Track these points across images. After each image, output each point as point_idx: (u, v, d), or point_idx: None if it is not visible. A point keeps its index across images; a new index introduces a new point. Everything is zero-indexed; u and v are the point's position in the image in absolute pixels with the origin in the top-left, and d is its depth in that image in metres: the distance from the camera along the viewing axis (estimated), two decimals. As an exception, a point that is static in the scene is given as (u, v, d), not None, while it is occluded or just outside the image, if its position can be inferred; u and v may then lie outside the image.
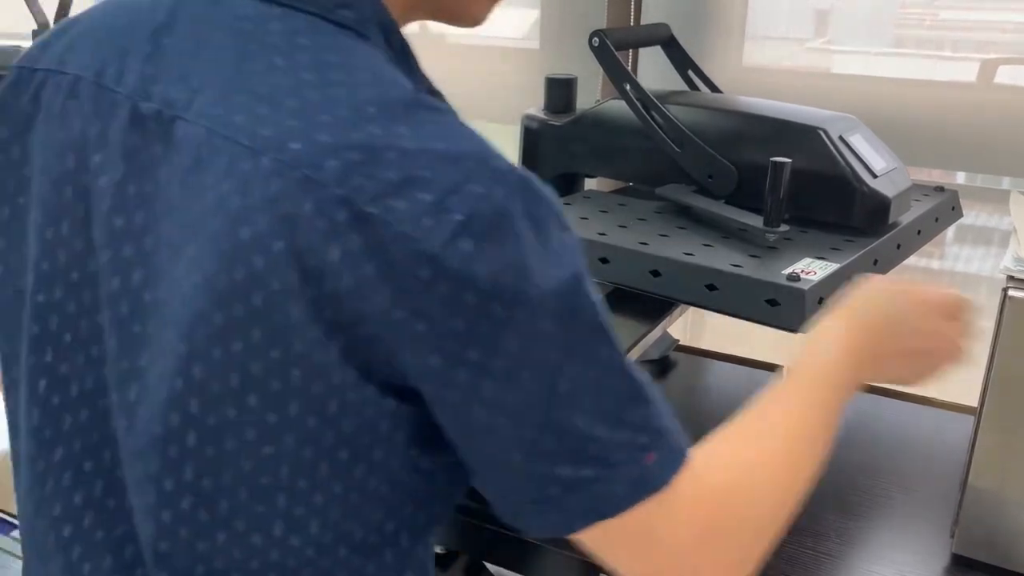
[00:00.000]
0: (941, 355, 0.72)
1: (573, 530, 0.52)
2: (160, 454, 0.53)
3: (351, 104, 0.48)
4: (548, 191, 0.50)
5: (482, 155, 0.48)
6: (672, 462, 0.52)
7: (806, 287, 0.82)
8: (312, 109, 0.48)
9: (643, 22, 1.45)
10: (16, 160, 0.61)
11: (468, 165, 0.47)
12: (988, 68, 1.32)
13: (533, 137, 1.17)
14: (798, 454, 0.61)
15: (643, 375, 0.52)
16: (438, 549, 1.17)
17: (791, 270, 0.86)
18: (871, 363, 0.68)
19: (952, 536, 0.86)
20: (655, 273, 0.91)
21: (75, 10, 1.40)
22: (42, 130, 0.59)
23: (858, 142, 0.99)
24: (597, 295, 0.50)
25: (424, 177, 0.46)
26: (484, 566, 1.11)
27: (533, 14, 1.63)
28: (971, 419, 0.85)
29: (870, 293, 0.71)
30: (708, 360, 1.29)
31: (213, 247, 0.48)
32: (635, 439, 0.50)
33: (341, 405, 0.50)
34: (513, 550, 0.90)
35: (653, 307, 0.95)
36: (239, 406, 0.50)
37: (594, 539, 0.52)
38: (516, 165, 0.49)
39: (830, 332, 0.67)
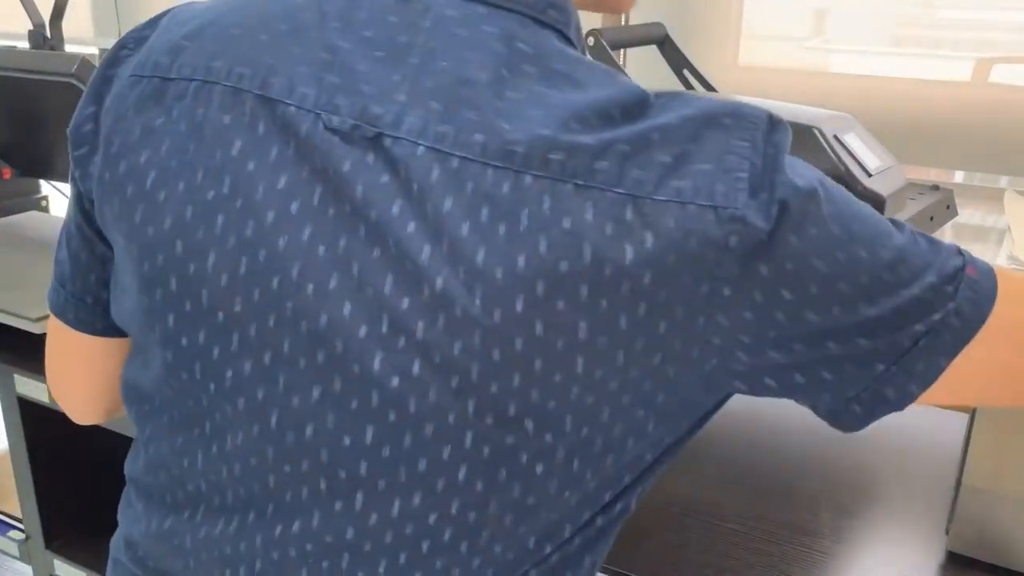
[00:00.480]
0: None
1: (941, 368, 0.50)
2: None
3: (596, 109, 0.46)
4: (781, 123, 0.50)
5: (733, 108, 0.47)
6: (985, 265, 0.52)
7: None
8: (561, 116, 0.46)
9: (637, 21, 1.45)
10: (120, 176, 0.54)
11: (725, 123, 0.46)
12: (982, 67, 1.33)
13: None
14: None
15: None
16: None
17: None
18: None
19: (947, 534, 0.86)
20: None
21: (70, 10, 1.40)
22: (179, 147, 0.52)
23: (853, 141, 0.99)
24: None
25: (692, 149, 0.45)
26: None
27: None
28: (965, 417, 0.85)
29: None
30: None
31: (477, 281, 0.45)
32: (950, 263, 0.50)
33: (614, 412, 0.48)
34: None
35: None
36: (519, 434, 0.48)
37: (955, 376, 0.50)
38: (755, 106, 0.49)
39: None
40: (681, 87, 1.19)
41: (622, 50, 1.36)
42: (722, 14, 1.44)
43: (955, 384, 0.51)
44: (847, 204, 0.48)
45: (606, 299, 0.45)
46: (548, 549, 0.53)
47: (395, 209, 0.46)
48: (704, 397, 0.52)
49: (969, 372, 0.51)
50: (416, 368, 0.47)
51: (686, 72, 1.18)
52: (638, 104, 0.47)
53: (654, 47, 1.19)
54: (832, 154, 0.96)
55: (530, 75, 0.47)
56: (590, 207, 0.44)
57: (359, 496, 0.50)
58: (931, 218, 1.09)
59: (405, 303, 0.46)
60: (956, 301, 0.49)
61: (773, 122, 0.48)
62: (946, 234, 1.58)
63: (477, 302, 0.45)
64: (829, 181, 0.49)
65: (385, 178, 0.47)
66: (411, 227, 0.46)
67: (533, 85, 0.47)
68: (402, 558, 0.52)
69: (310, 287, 0.48)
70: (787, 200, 0.45)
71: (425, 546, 0.51)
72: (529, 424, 0.47)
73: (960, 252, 0.51)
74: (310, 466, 0.51)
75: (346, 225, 0.48)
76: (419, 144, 0.46)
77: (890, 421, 1.10)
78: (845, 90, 1.40)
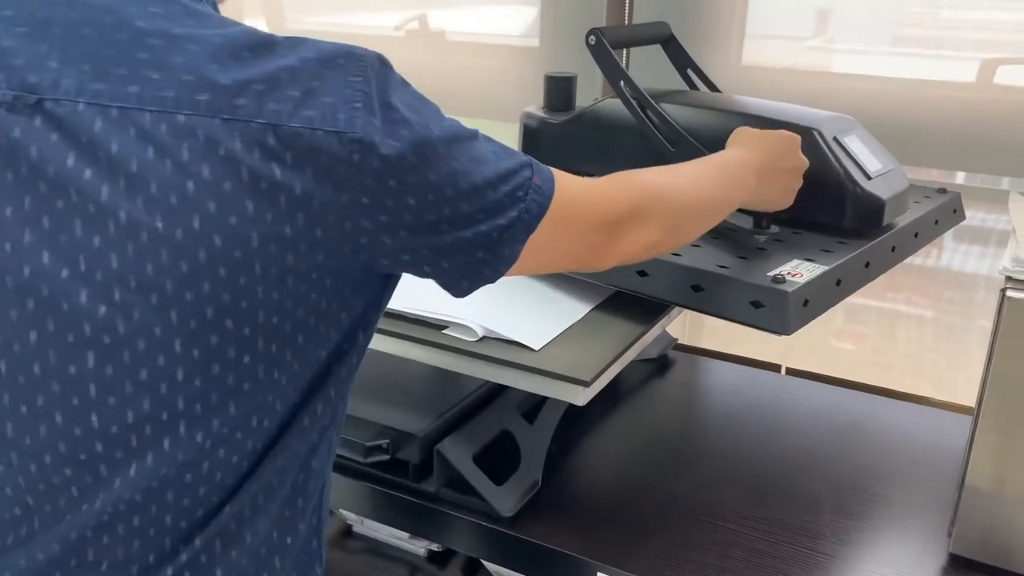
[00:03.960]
0: (797, 182, 0.92)
1: (519, 251, 0.65)
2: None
3: (229, 50, 0.55)
4: (388, 62, 0.60)
5: (346, 50, 0.57)
6: (547, 174, 0.67)
7: (790, 289, 0.82)
8: (200, 61, 0.54)
9: (641, 20, 1.45)
10: None
11: (340, 63, 0.57)
12: (987, 68, 1.32)
13: (532, 135, 1.16)
14: (714, 181, 0.82)
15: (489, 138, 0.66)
16: (435, 547, 1.17)
17: (777, 272, 0.85)
18: (765, 172, 0.87)
19: (949, 536, 0.86)
20: (642, 273, 0.91)
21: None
22: None
23: (853, 143, 0.99)
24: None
25: (317, 85, 0.55)
26: (481, 564, 1.11)
27: (532, 12, 1.63)
28: (968, 419, 0.85)
29: (765, 133, 0.91)
30: (707, 359, 1.30)
31: (156, 208, 0.53)
32: (521, 174, 0.65)
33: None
34: (510, 548, 0.90)
35: (651, 306, 0.95)
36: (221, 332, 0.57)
37: (529, 254, 0.66)
38: (365, 48, 0.58)
39: (742, 146, 0.89)
40: (686, 87, 1.19)
41: (624, 49, 1.36)
42: (726, 14, 1.44)
43: (529, 260, 0.67)
44: (452, 144, 0.60)
45: (270, 213, 0.55)
46: (266, 423, 0.63)
47: (70, 161, 0.54)
48: (365, 278, 0.63)
49: (536, 250, 0.66)
50: (117, 295, 0.55)
51: (690, 71, 1.18)
52: (264, 45, 0.56)
53: (658, 46, 1.19)
54: (831, 156, 0.95)
55: (160, 28, 0.56)
56: (238, 137, 0.53)
57: (93, 416, 0.58)
58: (936, 222, 1.08)
59: (96, 241, 0.54)
60: (525, 203, 0.64)
61: (382, 61, 0.59)
62: (947, 235, 1.57)
63: (159, 224, 0.53)
64: (444, 117, 0.62)
65: (54, 136, 0.54)
66: (87, 174, 0.54)
67: (174, 29, 0.56)
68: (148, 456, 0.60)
69: (7, 246, 0.55)
70: (402, 135, 0.57)
71: (166, 443, 0.59)
72: (228, 322, 0.56)
73: (530, 165, 0.66)
74: (45, 400, 0.58)
75: (27, 186, 0.54)
76: (78, 102, 0.54)
77: (892, 421, 1.11)
78: (848, 90, 1.40)
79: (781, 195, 0.90)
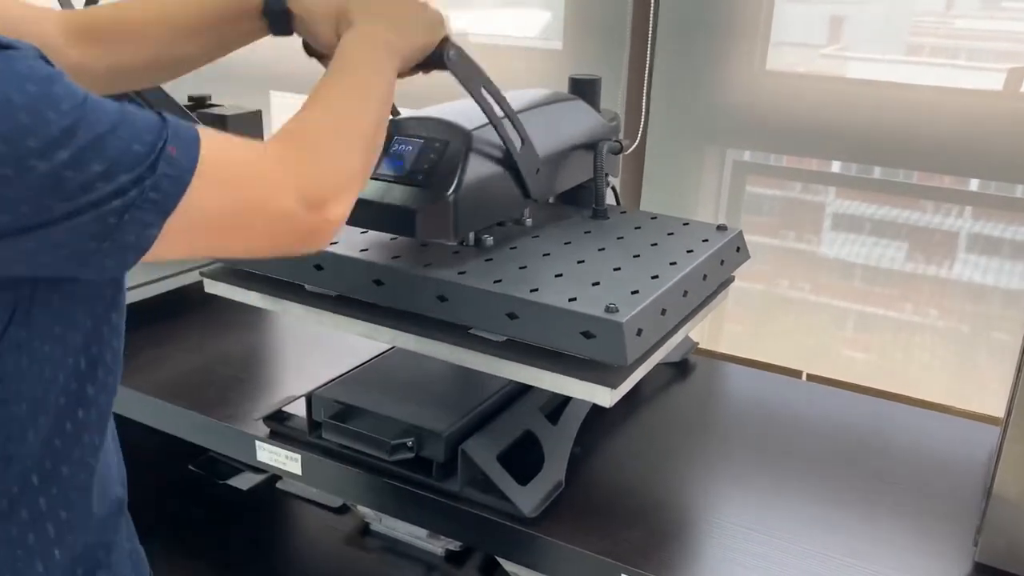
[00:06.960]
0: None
1: (153, 236, 0.58)
2: None
3: None
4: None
5: None
6: (188, 137, 0.60)
7: (623, 319, 0.81)
8: None
9: (663, 26, 1.46)
10: None
11: None
12: (1014, 77, 1.32)
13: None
14: (353, 93, 0.75)
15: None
16: (452, 546, 1.18)
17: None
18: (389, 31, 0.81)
19: (975, 545, 0.86)
20: (441, 299, 0.89)
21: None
22: None
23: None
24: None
25: None
26: (498, 564, 1.11)
27: (556, 15, 1.64)
28: (994, 429, 0.84)
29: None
30: (727, 364, 1.29)
31: None
32: (155, 148, 0.58)
33: None
34: (534, 548, 0.90)
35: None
36: None
37: (173, 237, 0.59)
38: None
39: (355, 34, 0.80)
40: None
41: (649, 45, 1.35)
42: (751, 21, 1.44)
43: (178, 243, 0.60)
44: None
45: None
46: None
47: None
48: None
49: (184, 232, 0.60)
50: None
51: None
52: None
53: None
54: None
55: None
56: None
57: None
58: (721, 262, 1.04)
59: None
60: (154, 178, 0.57)
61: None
62: (961, 242, 1.57)
63: None
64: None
65: None
66: None
67: None
68: None
69: None
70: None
71: None
72: None
73: (163, 126, 0.59)
74: None
75: None
76: None
77: (918, 429, 1.10)
78: (868, 96, 1.40)
79: (428, 37, 0.88)
